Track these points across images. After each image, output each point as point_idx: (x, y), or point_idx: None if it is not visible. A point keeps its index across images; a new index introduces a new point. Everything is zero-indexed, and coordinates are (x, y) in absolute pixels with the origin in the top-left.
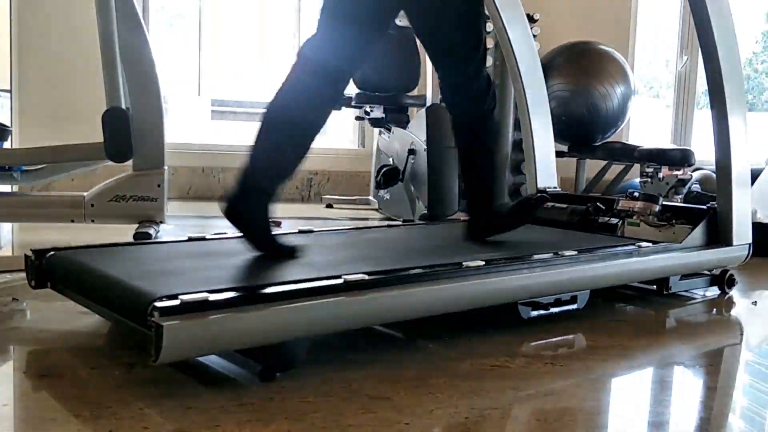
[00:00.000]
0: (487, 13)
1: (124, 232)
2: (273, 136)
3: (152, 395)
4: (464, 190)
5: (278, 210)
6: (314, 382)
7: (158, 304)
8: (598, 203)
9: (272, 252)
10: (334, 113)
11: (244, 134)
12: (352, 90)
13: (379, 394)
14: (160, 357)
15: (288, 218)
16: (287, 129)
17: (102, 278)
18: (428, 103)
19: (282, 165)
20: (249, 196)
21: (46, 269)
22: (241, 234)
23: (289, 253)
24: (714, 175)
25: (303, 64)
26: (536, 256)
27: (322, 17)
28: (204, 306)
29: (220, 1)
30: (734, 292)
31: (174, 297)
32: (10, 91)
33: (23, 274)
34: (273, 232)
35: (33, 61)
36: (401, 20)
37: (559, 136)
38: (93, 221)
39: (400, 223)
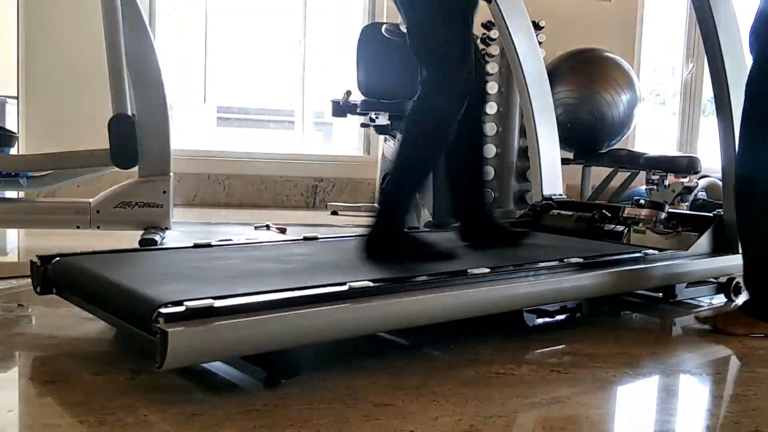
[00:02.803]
0: (492, 20)
1: (130, 239)
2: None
3: (157, 402)
4: (450, 193)
5: (283, 217)
6: (319, 389)
7: (163, 310)
8: (603, 211)
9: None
10: (339, 120)
11: (249, 141)
12: (357, 97)
13: (384, 401)
14: (165, 363)
15: (293, 225)
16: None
17: (107, 284)
18: None
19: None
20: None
21: (52, 275)
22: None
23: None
24: (720, 183)
25: None
26: (542, 264)
27: None
28: (209, 312)
29: (227, 9)
30: (740, 300)
31: (179, 303)
32: (16, 98)
33: (29, 280)
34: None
35: (39, 68)
36: (404, 26)
37: (564, 143)
38: (99, 227)
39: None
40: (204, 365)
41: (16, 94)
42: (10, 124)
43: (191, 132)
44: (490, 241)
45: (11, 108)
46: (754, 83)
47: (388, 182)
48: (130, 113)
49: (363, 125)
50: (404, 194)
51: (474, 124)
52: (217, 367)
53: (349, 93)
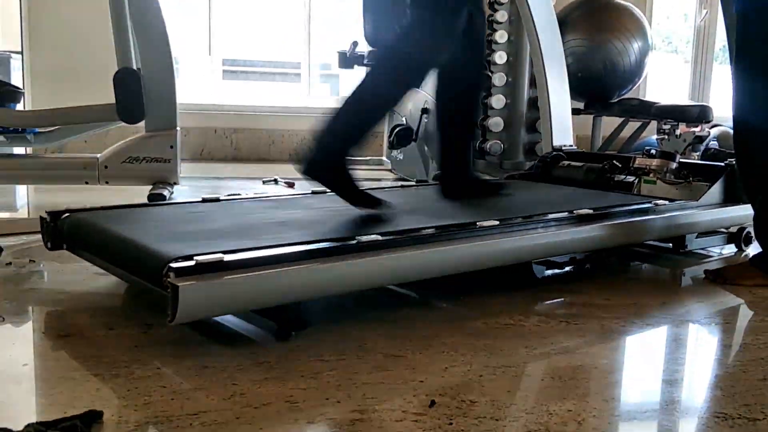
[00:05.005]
0: None
1: (139, 194)
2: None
3: (169, 355)
4: (440, 146)
5: (291, 171)
6: (329, 341)
7: (173, 264)
8: (614, 161)
9: (362, 204)
10: (346, 72)
11: (255, 94)
12: (364, 48)
13: (394, 353)
14: (177, 317)
15: (301, 179)
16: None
17: (117, 240)
18: None
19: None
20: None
21: (62, 231)
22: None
23: (376, 203)
24: (732, 132)
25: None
26: (551, 215)
27: None
28: (219, 266)
29: None
30: (751, 250)
31: (189, 258)
32: (21, 53)
33: (39, 236)
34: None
35: (44, 23)
36: None
37: (575, 92)
38: (107, 183)
39: (413, 183)
40: (215, 319)
41: (20, 49)
42: (15, 79)
43: (197, 85)
44: (469, 194)
45: (16, 63)
46: (747, 21)
47: (345, 112)
48: (135, 67)
49: None
50: (359, 128)
51: (472, 78)
52: (228, 320)
53: (355, 44)
